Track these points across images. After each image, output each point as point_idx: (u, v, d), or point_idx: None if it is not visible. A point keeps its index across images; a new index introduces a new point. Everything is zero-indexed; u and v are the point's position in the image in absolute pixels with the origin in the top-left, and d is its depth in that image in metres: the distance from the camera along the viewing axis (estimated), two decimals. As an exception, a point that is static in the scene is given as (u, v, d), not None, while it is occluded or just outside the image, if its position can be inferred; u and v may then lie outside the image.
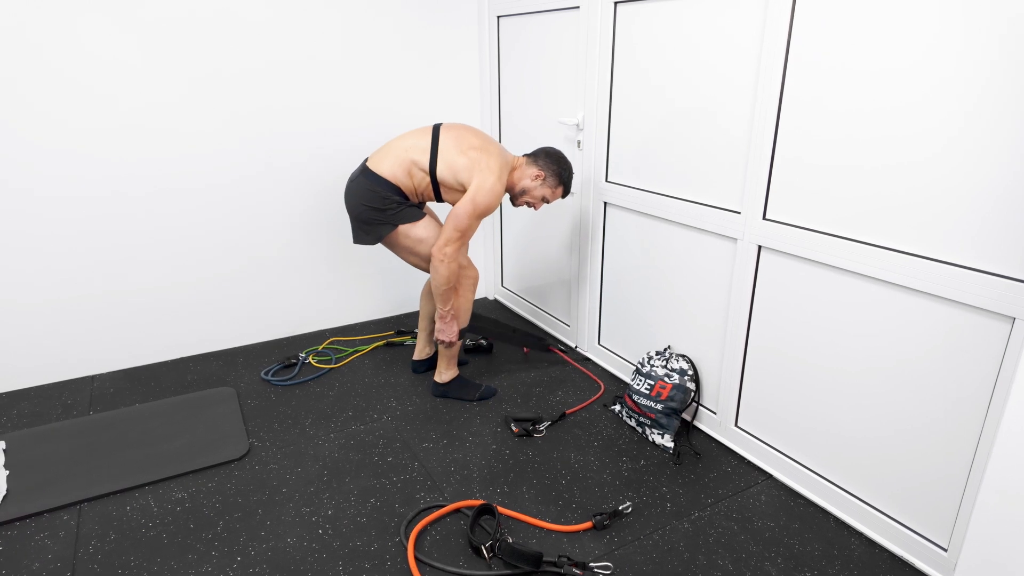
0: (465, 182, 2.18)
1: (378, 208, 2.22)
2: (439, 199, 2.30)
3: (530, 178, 2.29)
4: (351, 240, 3.07)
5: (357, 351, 2.91)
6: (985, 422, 1.49)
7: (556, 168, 2.29)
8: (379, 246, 3.16)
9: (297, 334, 3.09)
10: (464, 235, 2.18)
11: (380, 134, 2.99)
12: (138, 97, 2.46)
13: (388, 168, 2.21)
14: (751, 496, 1.96)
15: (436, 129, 2.25)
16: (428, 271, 2.33)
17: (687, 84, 2.10)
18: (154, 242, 2.65)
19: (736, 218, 2.00)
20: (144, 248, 2.64)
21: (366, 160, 2.28)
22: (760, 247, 1.96)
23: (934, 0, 1.42)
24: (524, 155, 2.34)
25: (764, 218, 1.92)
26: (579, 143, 2.62)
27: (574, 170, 2.28)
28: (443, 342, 2.38)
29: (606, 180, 2.55)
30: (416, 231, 2.26)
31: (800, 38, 1.72)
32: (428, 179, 2.22)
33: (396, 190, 2.22)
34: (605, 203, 2.58)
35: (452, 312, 2.32)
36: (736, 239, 2.02)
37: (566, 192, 2.36)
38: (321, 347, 2.95)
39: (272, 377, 2.65)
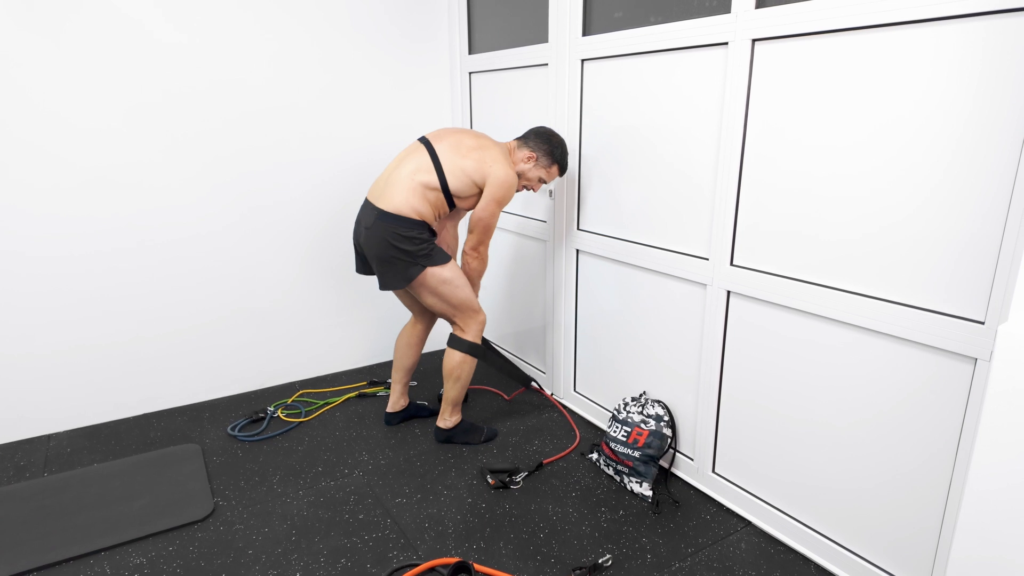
0: (478, 183, 2.22)
1: (408, 250, 2.18)
2: (451, 208, 2.28)
3: (523, 160, 2.31)
4: (323, 291, 3.04)
5: (328, 403, 2.84)
6: (955, 463, 1.50)
7: (547, 147, 2.30)
8: (347, 296, 3.13)
9: (266, 387, 3.02)
10: (489, 230, 2.29)
11: (351, 192, 3.01)
12: (100, 156, 2.45)
13: (403, 201, 2.16)
14: (731, 544, 1.94)
15: (427, 144, 2.25)
16: (443, 315, 2.38)
17: (653, 134, 2.17)
18: (114, 296, 2.59)
19: (705, 264, 2.04)
20: (103, 302, 2.58)
21: (369, 204, 2.23)
22: (729, 292, 1.99)
23: (886, 75, 1.51)
24: (515, 139, 2.37)
25: (732, 264, 1.97)
26: (551, 192, 2.67)
27: (567, 147, 2.30)
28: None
29: (578, 228, 2.59)
30: (444, 272, 2.26)
31: (759, 82, 1.80)
32: (441, 195, 2.22)
33: (423, 226, 2.19)
34: (577, 250, 2.61)
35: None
36: (706, 284, 2.05)
37: (562, 170, 2.36)
38: (290, 400, 2.88)
39: (239, 432, 2.57)
